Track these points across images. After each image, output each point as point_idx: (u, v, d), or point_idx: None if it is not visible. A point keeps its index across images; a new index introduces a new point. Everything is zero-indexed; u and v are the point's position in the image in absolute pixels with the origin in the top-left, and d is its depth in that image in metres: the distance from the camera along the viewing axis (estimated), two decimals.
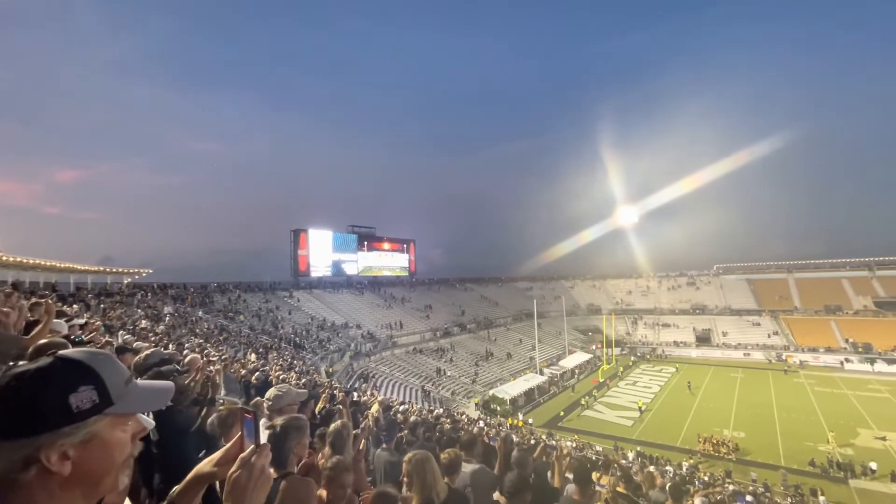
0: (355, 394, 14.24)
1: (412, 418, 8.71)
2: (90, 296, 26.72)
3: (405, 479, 2.41)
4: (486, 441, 5.62)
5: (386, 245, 62.48)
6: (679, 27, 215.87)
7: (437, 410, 18.90)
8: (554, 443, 18.13)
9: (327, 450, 2.81)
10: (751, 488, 18.50)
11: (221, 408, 2.89)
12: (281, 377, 9.25)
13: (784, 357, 50.33)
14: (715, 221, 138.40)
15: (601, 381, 42.06)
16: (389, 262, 62.86)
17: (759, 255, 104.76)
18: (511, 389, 35.72)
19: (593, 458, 14.12)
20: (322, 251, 52.16)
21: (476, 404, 33.78)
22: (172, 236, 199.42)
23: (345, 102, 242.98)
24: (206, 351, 12.44)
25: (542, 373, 42.60)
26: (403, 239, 65.85)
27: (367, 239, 59.58)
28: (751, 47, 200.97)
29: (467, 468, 3.47)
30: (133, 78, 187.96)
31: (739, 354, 53.61)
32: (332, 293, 50.37)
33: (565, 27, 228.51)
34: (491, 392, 35.27)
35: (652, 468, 17.12)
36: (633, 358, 55.21)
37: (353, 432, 3.09)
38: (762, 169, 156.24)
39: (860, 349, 48.27)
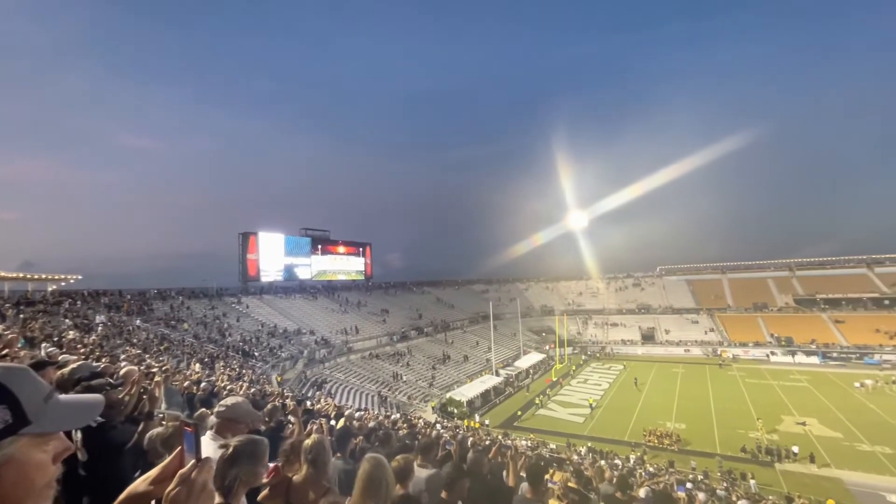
0: (308, 402, 13.80)
1: (370, 424, 8.57)
2: (7, 305, 24.21)
3: (357, 486, 2.36)
4: (443, 445, 5.63)
5: (341, 248, 61.21)
6: (627, 41, 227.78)
7: (393, 416, 18.70)
8: (509, 442, 18.44)
9: (306, 468, 2.66)
10: (691, 476, 19.68)
11: (163, 422, 2.71)
12: (228, 387, 8.80)
13: (719, 352, 54.12)
14: (658, 226, 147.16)
15: (554, 380, 43.29)
16: (345, 265, 61.62)
17: (697, 256, 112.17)
18: (468, 391, 36.01)
19: (547, 455, 14.49)
20: (273, 255, 50.30)
21: (433, 408, 33.75)
22: (105, 240, 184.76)
23: (296, 102, 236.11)
24: (145, 362, 11.61)
25: (497, 374, 43.26)
26: (359, 242, 64.83)
27: (322, 242, 58.12)
28: (688, 68, 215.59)
29: (422, 473, 3.46)
30: (59, 67, 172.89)
31: (680, 351, 57.09)
32: (283, 299, 48.65)
33: (520, 36, 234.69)
34: (448, 395, 35.38)
35: (602, 462, 17.84)
36: (584, 357, 57.33)
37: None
38: (699, 178, 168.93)
39: (783, 343, 52.91)
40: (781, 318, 59.80)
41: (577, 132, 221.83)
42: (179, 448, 1.10)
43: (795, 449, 23.91)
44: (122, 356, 12.57)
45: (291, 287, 52.84)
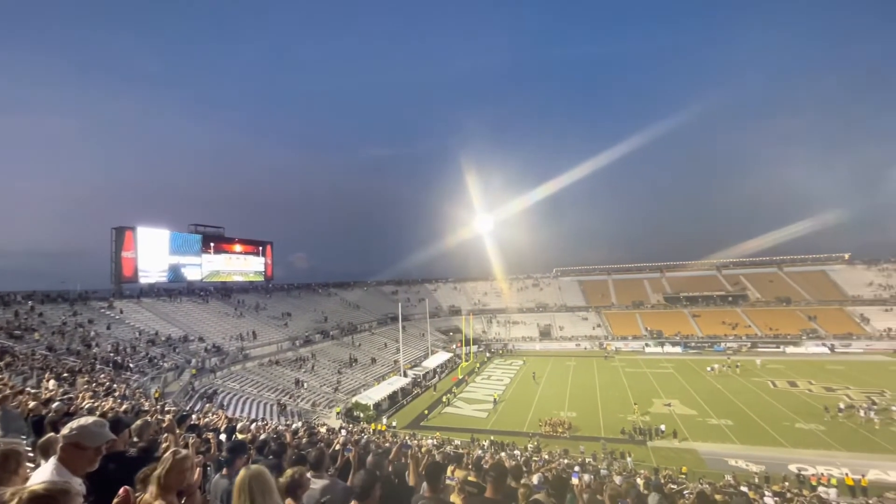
0: (194, 416, 12.45)
1: (262, 436, 7.96)
2: None
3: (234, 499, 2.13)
4: (341, 452, 5.43)
5: (238, 247, 56.32)
6: (522, 58, 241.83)
7: (294, 425, 17.69)
8: (414, 443, 18.51)
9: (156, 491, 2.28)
10: (580, 459, 21.58)
11: None
12: (88, 406, 7.55)
13: (604, 345, 60.39)
14: (555, 230, 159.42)
15: (460, 378, 44.58)
16: (242, 266, 56.82)
17: (588, 259, 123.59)
18: (374, 394, 35.50)
19: (451, 452, 14.81)
20: (155, 253, 44.58)
21: (338, 413, 32.64)
22: None
23: (188, 86, 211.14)
24: None
25: (405, 375, 43.29)
26: (259, 241, 60.19)
27: (215, 240, 52.95)
28: (586, 83, 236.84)
29: (317, 484, 3.29)
30: None
31: (572, 345, 62.51)
32: (168, 302, 43.36)
33: (432, 40, 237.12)
34: (354, 399, 34.51)
35: (503, 454, 18.75)
36: (487, 354, 59.90)
37: (195, 459, 2.64)
38: (588, 187, 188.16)
39: (654, 335, 60.83)
40: (654, 314, 68.55)
41: (484, 139, 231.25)
42: None
43: (662, 427, 27.56)
44: None
45: (178, 289, 47.37)
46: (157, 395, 24.41)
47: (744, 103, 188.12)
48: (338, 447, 7.48)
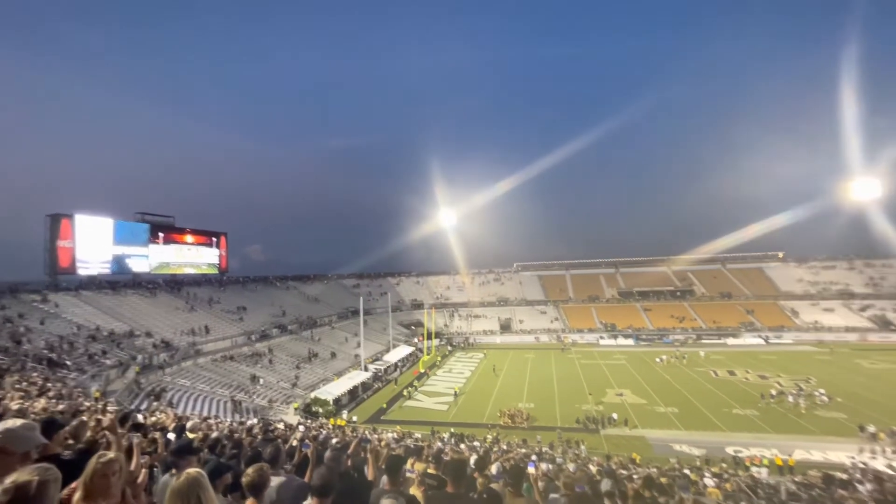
0: (140, 415, 11.78)
1: (214, 434, 7.66)
2: None
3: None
4: (300, 448, 5.32)
5: (189, 238, 53.42)
6: (483, 56, 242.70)
7: (249, 422, 17.13)
8: (375, 437, 18.42)
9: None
10: (536, 449, 22.23)
11: None
12: (19, 408, 6.98)
13: (562, 338, 62.33)
14: (516, 226, 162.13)
15: (422, 371, 44.70)
16: (194, 257, 53.98)
17: (548, 254, 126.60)
18: (334, 389, 35.00)
19: (412, 445, 14.86)
20: (97, 243, 41.52)
21: (296, 409, 31.91)
22: None
23: (137, 62, 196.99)
24: None
25: (366, 369, 42.90)
26: (212, 231, 57.34)
27: (164, 230, 49.94)
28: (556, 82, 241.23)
29: (273, 482, 3.20)
30: None
31: (532, 338, 64.10)
32: (111, 296, 40.65)
33: (397, 35, 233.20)
34: (313, 394, 33.85)
35: (462, 446, 19.02)
36: (449, 347, 60.40)
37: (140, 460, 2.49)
38: (548, 185, 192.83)
39: (609, 328, 63.44)
40: (608, 307, 71.42)
41: (447, 133, 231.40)
42: None
43: (615, 416, 28.86)
44: None
45: (123, 282, 44.49)
46: (97, 394, 22.92)
47: (690, 111, 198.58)
48: (295, 443, 7.33)
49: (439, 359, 52.13)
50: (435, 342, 58.01)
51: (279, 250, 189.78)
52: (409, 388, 38.28)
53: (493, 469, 5.80)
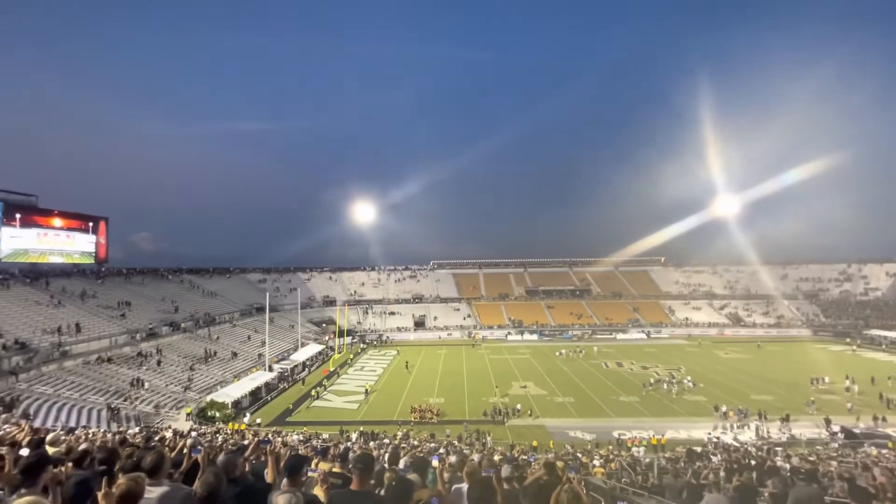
0: None
1: (81, 446, 6.69)
2: None
3: None
4: (189, 455, 4.85)
5: (57, 221, 45.59)
6: (407, 50, 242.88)
7: (130, 430, 15.24)
8: (271, 438, 17.47)
9: None
10: (444, 442, 22.75)
11: None
12: None
13: (473, 334, 64.55)
14: (433, 224, 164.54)
15: (332, 370, 43.32)
16: (64, 244, 46.18)
17: (462, 253, 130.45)
18: (234, 391, 32.51)
19: (318, 446, 14.37)
20: None
21: (188, 414, 29.04)
22: None
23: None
24: None
25: (271, 369, 40.47)
26: (88, 215, 49.48)
27: (24, 210, 42.08)
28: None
29: (154, 492, 2.88)
30: None
31: (445, 335, 65.44)
32: None
33: (308, 15, 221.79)
34: (209, 398, 31.06)
35: (372, 444, 18.82)
36: (362, 345, 59.27)
37: None
38: (466, 186, 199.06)
39: (516, 324, 67.15)
40: (516, 305, 75.52)
41: (370, 128, 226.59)
42: None
43: (519, 407, 30.61)
44: None
45: None
46: None
47: (588, 128, 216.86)
48: (185, 450, 6.67)
49: (351, 357, 50.92)
50: (347, 340, 56.59)
51: (174, 241, 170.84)
52: (318, 388, 36.89)
53: (401, 464, 5.84)
